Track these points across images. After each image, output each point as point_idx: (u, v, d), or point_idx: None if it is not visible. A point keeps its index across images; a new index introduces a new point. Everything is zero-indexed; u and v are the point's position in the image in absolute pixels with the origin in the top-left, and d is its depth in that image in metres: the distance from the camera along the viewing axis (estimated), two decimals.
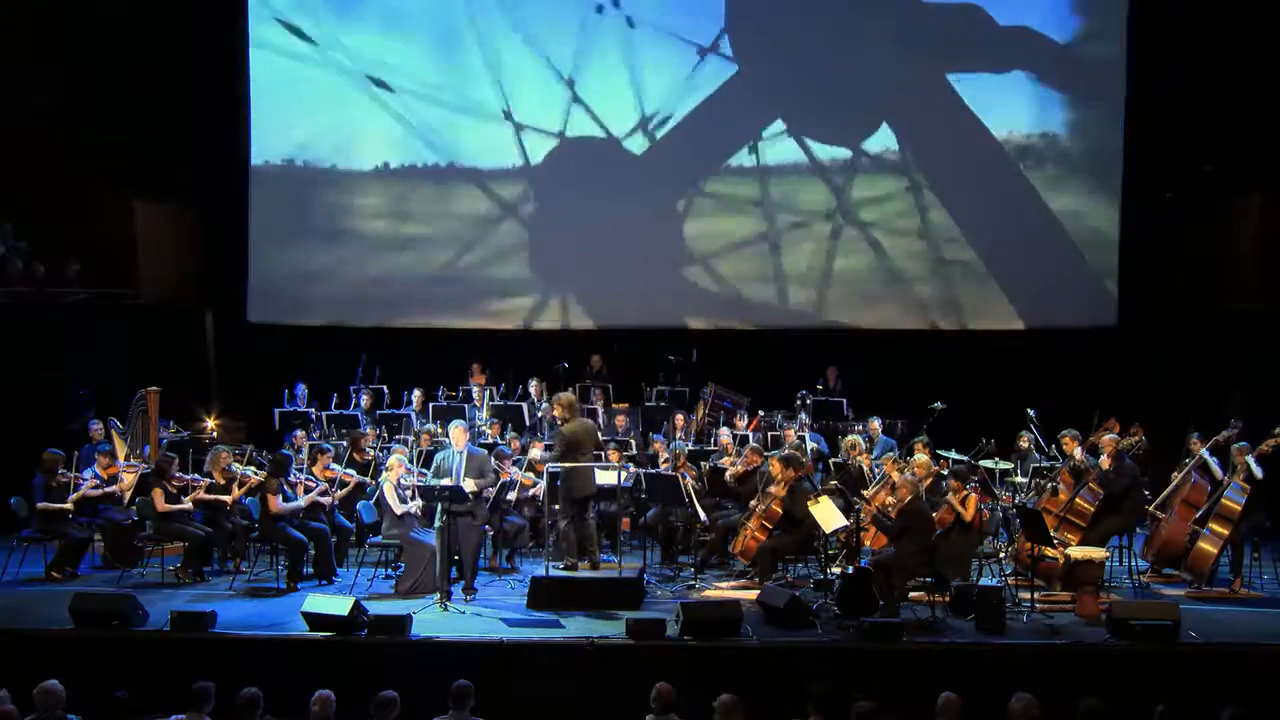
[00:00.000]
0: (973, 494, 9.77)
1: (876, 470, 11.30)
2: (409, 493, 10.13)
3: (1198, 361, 13.83)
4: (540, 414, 13.06)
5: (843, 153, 14.78)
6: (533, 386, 13.44)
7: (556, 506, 10.81)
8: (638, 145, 14.86)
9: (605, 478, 10.52)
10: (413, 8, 14.95)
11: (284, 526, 10.25)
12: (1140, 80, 14.29)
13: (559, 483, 10.30)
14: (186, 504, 10.54)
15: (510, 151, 14.95)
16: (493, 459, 10.46)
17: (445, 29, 14.92)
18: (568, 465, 10.03)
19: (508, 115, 14.85)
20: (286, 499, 10.34)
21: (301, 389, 13.48)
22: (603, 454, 10.93)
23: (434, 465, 9.95)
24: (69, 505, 10.65)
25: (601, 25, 14.74)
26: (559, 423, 10.43)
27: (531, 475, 11.30)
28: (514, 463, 11.48)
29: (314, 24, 14.92)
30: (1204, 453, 10.43)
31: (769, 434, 12.72)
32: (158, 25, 14.42)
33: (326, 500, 10.67)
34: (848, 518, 9.90)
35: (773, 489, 10.34)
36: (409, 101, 14.95)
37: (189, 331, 14.88)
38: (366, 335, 14.53)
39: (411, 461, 10.81)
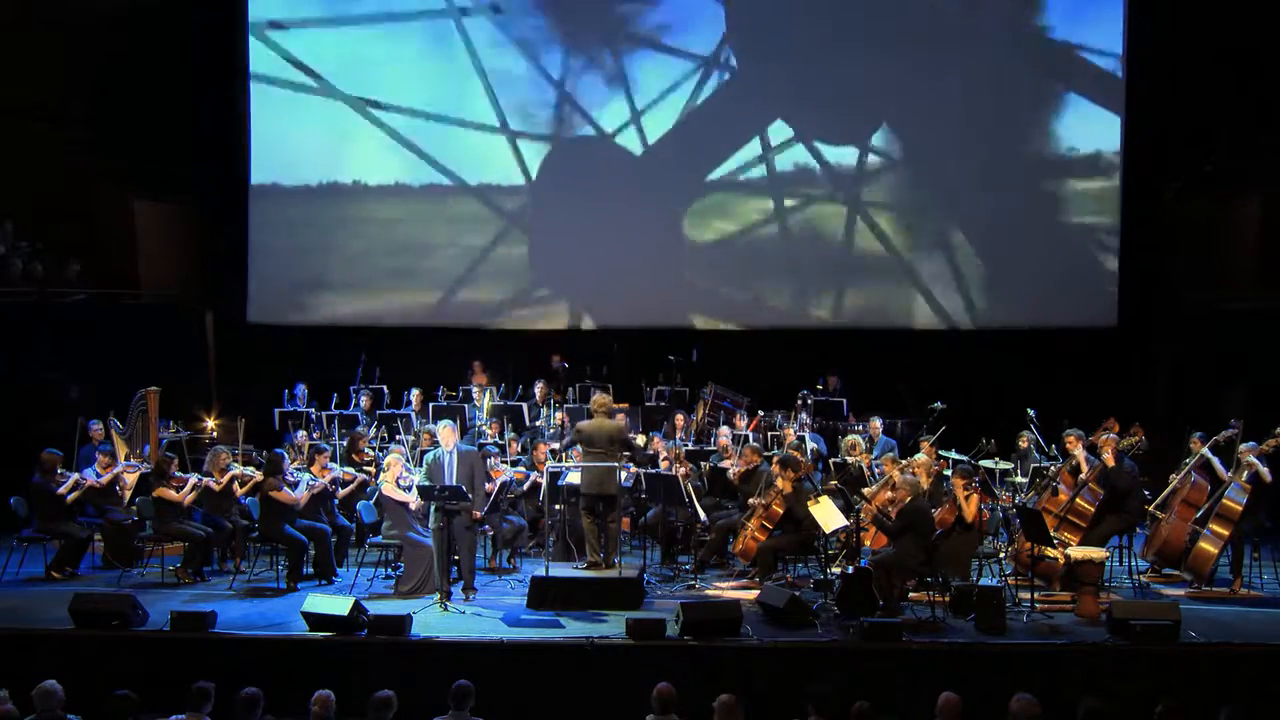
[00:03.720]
0: (973, 494, 9.77)
1: (876, 470, 11.30)
2: (408, 491, 10.13)
3: (1198, 361, 13.83)
4: (542, 416, 13.07)
5: (842, 153, 14.77)
6: (538, 388, 13.46)
7: (558, 506, 10.86)
8: (638, 146, 14.86)
9: (574, 478, 10.57)
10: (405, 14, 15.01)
11: (284, 526, 10.26)
12: (1140, 80, 14.29)
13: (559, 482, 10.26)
14: (193, 486, 10.56)
15: (512, 153, 14.93)
16: (487, 459, 10.46)
17: (437, 32, 14.95)
18: (583, 464, 10.11)
19: (504, 124, 14.86)
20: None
21: (301, 389, 13.49)
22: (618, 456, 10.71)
23: (425, 465, 9.94)
24: (71, 497, 10.66)
25: (599, 24, 14.74)
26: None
27: (523, 470, 11.32)
28: (512, 462, 11.52)
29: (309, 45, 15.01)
30: (1205, 451, 10.43)
31: (769, 434, 12.72)
32: (158, 24, 14.42)
33: (335, 481, 10.68)
34: (848, 518, 9.91)
35: (773, 489, 10.35)
36: (409, 99, 14.96)
37: (189, 331, 14.89)
38: (366, 335, 14.53)
39: (410, 461, 10.81)
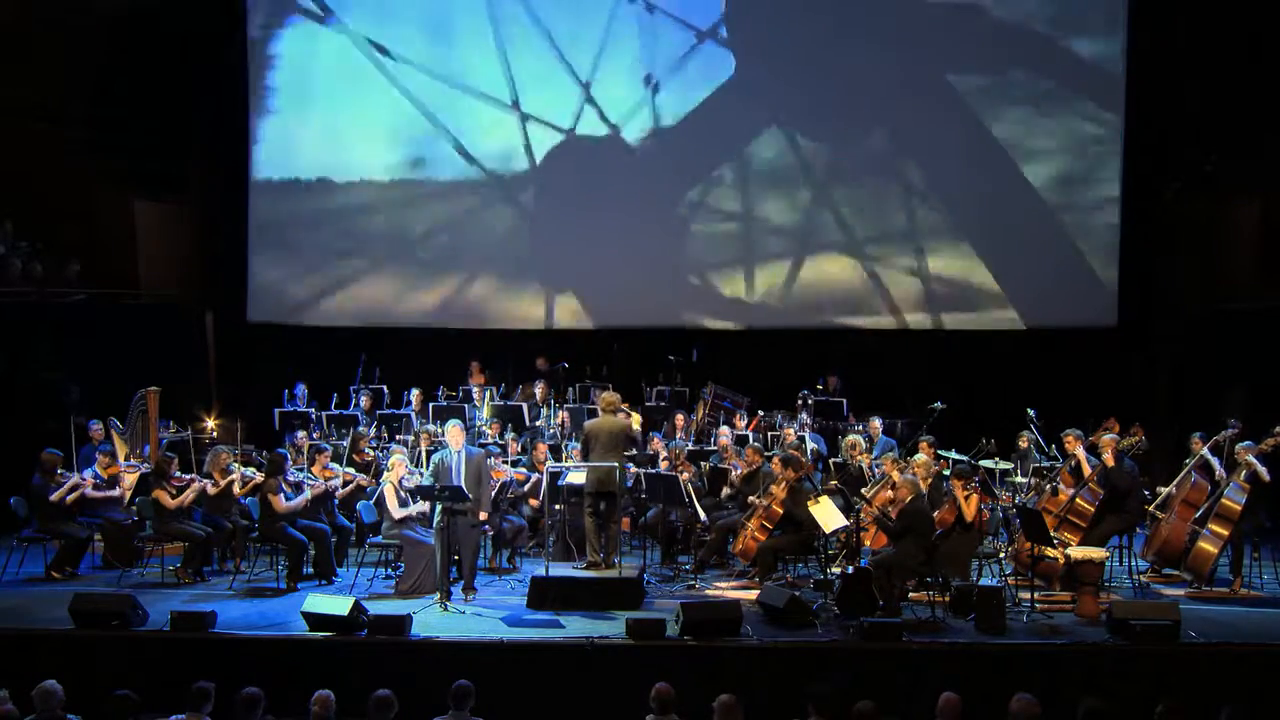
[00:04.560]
0: (973, 494, 9.77)
1: (876, 470, 11.30)
2: (410, 495, 10.12)
3: (1198, 361, 13.83)
4: (542, 416, 13.08)
5: (842, 153, 14.76)
6: (538, 388, 13.47)
7: (558, 506, 10.87)
8: (639, 145, 14.85)
9: (575, 478, 10.58)
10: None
11: (284, 526, 10.26)
12: (1140, 80, 14.28)
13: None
14: (189, 493, 10.53)
15: (511, 153, 14.95)
16: (490, 459, 10.47)
17: (445, 25, 14.93)
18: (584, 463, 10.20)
19: (515, 105, 14.85)
20: (287, 498, 10.33)
21: (301, 389, 13.48)
22: (624, 452, 10.66)
23: (432, 465, 9.96)
24: (69, 500, 10.65)
25: (601, 24, 14.74)
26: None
27: (524, 471, 11.32)
28: (512, 462, 11.52)
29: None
30: (1205, 452, 10.44)
31: (769, 434, 12.72)
32: (158, 24, 14.42)
33: (334, 486, 10.68)
34: (848, 518, 9.91)
35: (773, 489, 10.35)
36: (409, 99, 14.96)
37: (189, 331, 14.89)
38: (366, 335, 14.53)
39: (412, 462, 10.82)
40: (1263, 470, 10.00)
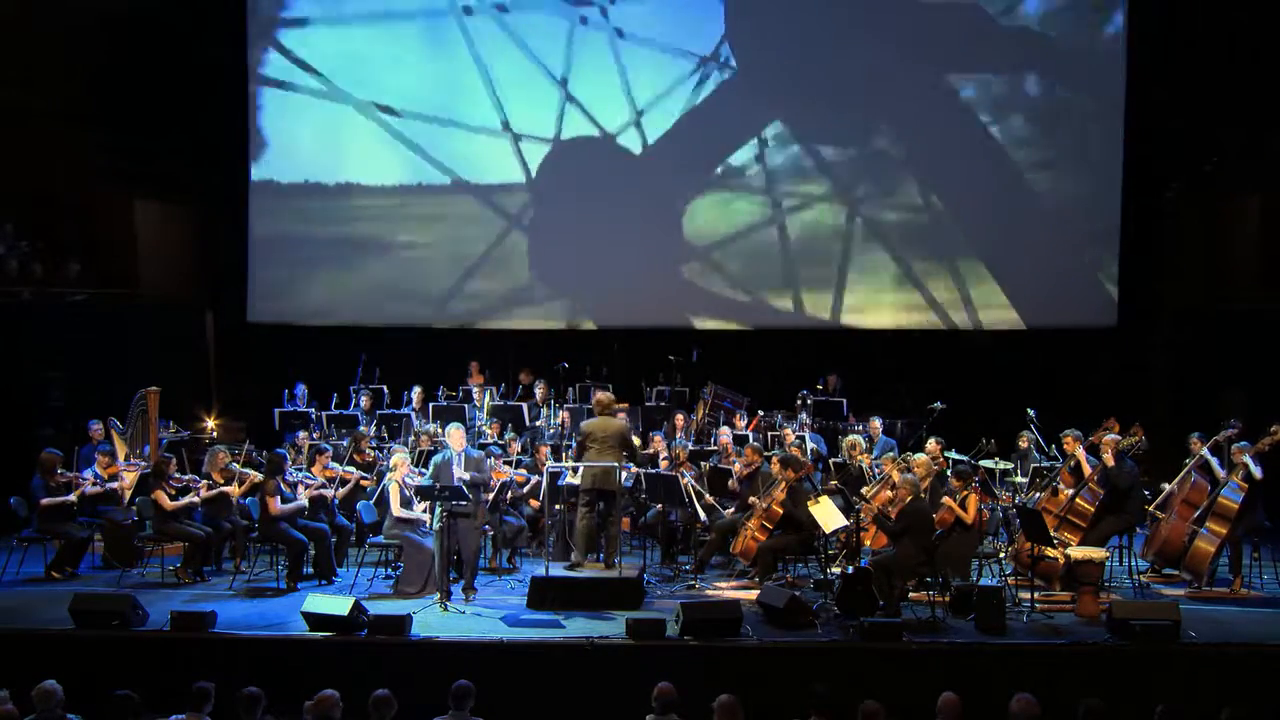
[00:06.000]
0: (973, 494, 9.77)
1: (876, 470, 11.30)
2: (411, 492, 10.12)
3: (1198, 361, 13.83)
4: (542, 416, 13.08)
5: (842, 153, 14.76)
6: (538, 389, 13.46)
7: (558, 506, 10.87)
8: (638, 146, 14.85)
9: (572, 479, 10.59)
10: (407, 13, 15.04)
11: (284, 526, 10.26)
12: (1140, 79, 14.28)
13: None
14: (188, 500, 10.52)
15: (512, 155, 14.94)
16: (489, 460, 10.46)
17: (439, 33, 14.96)
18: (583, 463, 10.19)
19: (506, 125, 14.87)
20: (285, 499, 10.33)
21: (301, 389, 13.48)
22: (621, 452, 10.49)
23: (432, 466, 9.95)
24: (72, 499, 10.66)
25: (603, 24, 14.74)
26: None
27: (524, 472, 11.32)
28: (514, 463, 11.51)
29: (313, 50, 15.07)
30: (1204, 452, 10.45)
31: (769, 434, 12.72)
32: (159, 24, 14.42)
33: (330, 493, 10.68)
34: (848, 518, 9.91)
35: (774, 490, 10.35)
36: (410, 102, 14.96)
37: (189, 331, 14.88)
38: (366, 335, 14.53)
39: (412, 461, 10.83)
40: (1256, 470, 10.00)
